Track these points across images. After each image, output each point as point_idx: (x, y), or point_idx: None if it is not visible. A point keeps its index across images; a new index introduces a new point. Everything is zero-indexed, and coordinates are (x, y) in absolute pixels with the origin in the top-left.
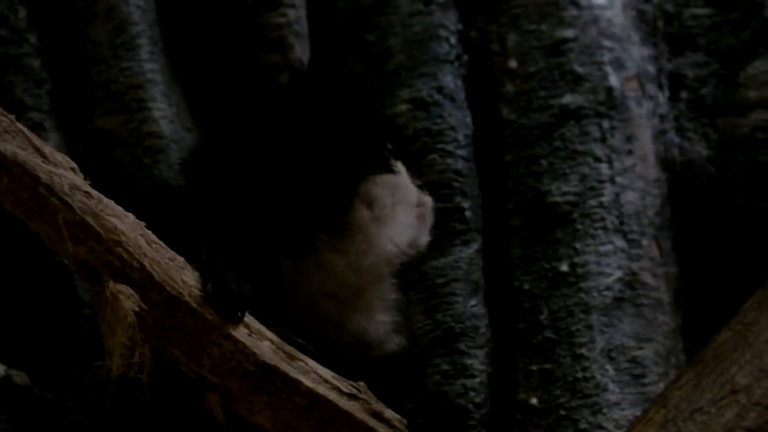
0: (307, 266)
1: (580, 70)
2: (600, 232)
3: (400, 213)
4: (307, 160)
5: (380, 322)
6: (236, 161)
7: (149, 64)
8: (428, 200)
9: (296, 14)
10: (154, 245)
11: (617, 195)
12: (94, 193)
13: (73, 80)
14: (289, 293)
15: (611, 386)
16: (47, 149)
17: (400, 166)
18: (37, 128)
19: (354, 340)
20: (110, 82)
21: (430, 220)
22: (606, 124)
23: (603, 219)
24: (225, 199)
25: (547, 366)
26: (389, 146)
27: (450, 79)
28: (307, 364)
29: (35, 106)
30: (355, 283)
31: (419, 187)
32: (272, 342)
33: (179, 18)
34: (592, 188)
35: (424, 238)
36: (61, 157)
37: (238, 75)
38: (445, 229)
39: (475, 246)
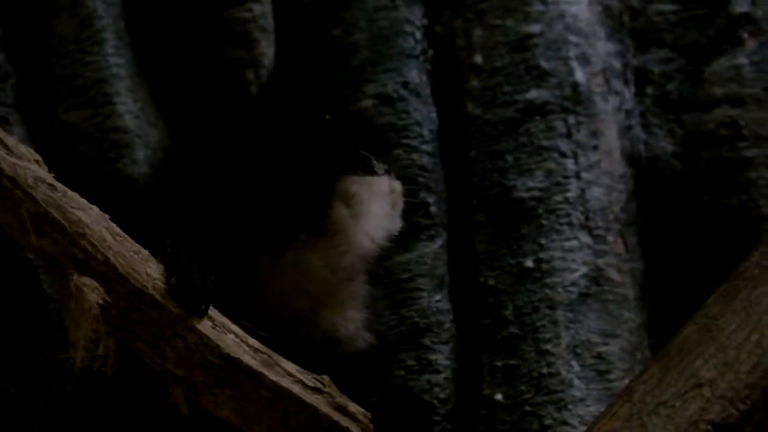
0: (284, 263)
1: (545, 65)
2: (565, 227)
3: (376, 206)
4: (287, 159)
5: (351, 320)
6: (218, 157)
7: (114, 59)
8: (397, 185)
9: (261, 9)
10: (119, 238)
11: (583, 190)
12: (59, 185)
13: (38, 74)
14: (263, 288)
15: (576, 382)
16: (11, 141)
17: (374, 160)
18: (1, 122)
19: (324, 336)
20: (75, 77)
21: (401, 204)
22: (571, 119)
23: (568, 215)
24: (204, 194)
25: (512, 362)
26: (366, 144)
27: (415, 74)
28: (271, 357)
29: (0, 100)
30: (331, 282)
31: (387, 171)
32: (236, 335)
33: (144, 12)
34: (558, 184)
35: (397, 224)
36: (24, 149)
37: (203, 70)
38: (410, 224)
39: (440, 241)
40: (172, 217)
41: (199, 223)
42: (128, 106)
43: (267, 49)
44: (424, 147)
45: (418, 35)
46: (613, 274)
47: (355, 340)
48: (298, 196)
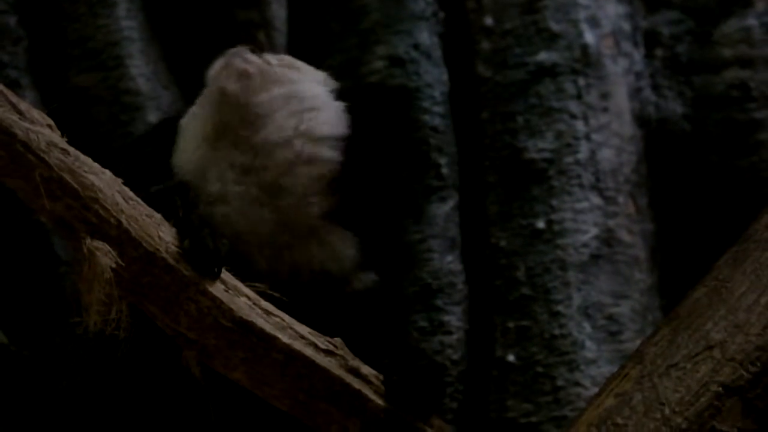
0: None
1: (555, 27)
2: (576, 189)
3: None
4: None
5: (343, 258)
6: None
7: (126, 21)
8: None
9: None
10: (131, 201)
11: (593, 152)
12: (71, 150)
13: (49, 38)
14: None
15: (588, 343)
16: (23, 106)
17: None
18: (13, 86)
19: (321, 275)
20: (87, 39)
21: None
22: (581, 81)
23: (579, 176)
24: None
25: (524, 323)
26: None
27: (426, 36)
28: (283, 320)
29: (12, 63)
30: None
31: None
32: (249, 298)
33: None
34: (568, 145)
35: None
36: (37, 114)
37: (215, 32)
38: (422, 185)
39: (451, 203)
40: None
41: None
42: (140, 69)
43: (278, 11)
44: (436, 108)
45: None
46: (624, 235)
47: (352, 280)
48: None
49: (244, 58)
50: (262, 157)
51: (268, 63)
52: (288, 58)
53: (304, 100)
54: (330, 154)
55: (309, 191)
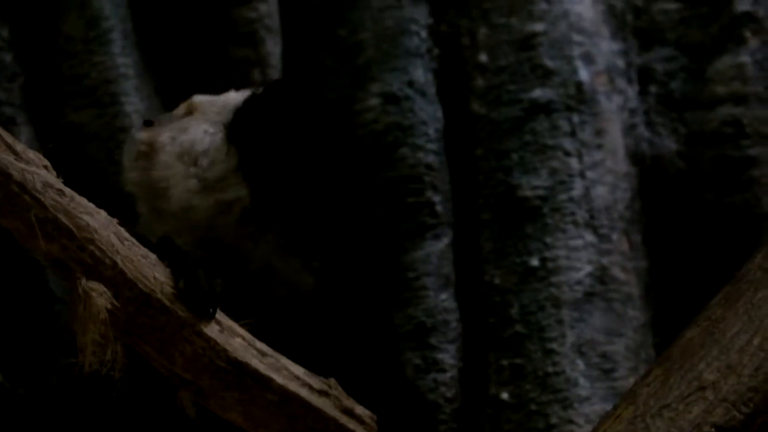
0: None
1: (550, 64)
2: (570, 226)
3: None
4: None
5: (289, 260)
6: None
7: (121, 59)
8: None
9: (267, 9)
10: (127, 242)
11: (587, 189)
12: (67, 190)
13: (45, 75)
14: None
15: (582, 381)
16: (19, 147)
17: None
18: (9, 123)
19: (265, 270)
20: (83, 77)
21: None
22: (576, 118)
23: (573, 213)
24: None
25: (518, 361)
26: None
27: (421, 73)
28: (278, 360)
29: (7, 100)
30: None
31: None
32: (244, 339)
33: (151, 13)
34: (562, 182)
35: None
36: (33, 155)
37: (210, 69)
38: (416, 223)
39: (445, 240)
40: None
41: None
42: (135, 106)
43: (273, 49)
44: (430, 146)
45: (424, 34)
46: (617, 272)
47: (297, 279)
48: None
49: (134, 140)
50: (184, 221)
51: (161, 127)
52: (194, 102)
53: (193, 146)
54: (233, 193)
55: (241, 233)
